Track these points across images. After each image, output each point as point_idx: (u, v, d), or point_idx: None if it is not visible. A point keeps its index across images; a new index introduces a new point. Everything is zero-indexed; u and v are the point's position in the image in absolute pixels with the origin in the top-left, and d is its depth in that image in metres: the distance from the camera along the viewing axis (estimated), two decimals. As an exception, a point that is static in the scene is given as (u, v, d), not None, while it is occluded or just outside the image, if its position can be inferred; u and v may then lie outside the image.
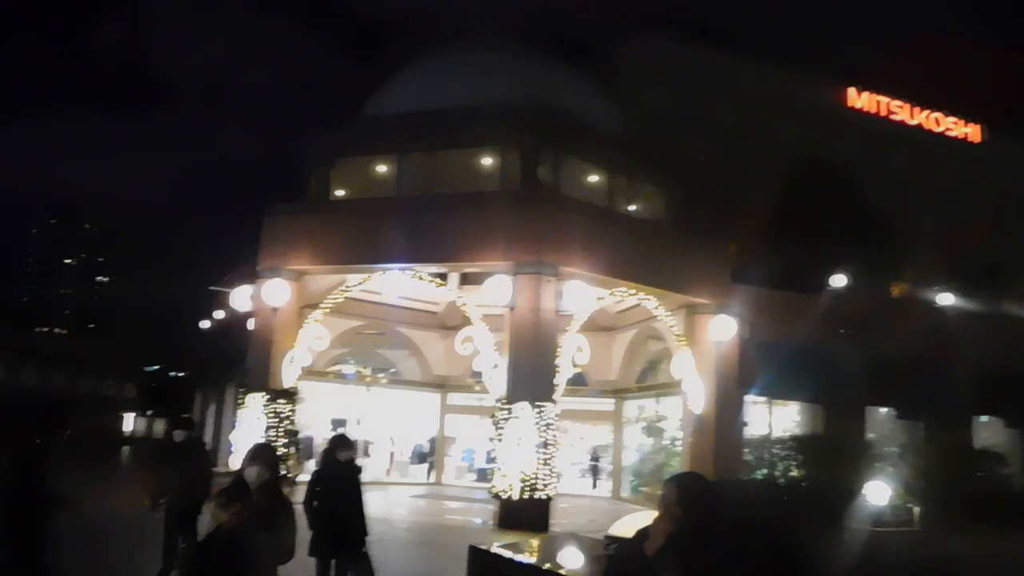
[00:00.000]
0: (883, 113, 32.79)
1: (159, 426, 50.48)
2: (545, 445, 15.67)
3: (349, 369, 26.46)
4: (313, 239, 18.13)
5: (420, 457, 26.99)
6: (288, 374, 17.82)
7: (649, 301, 18.56)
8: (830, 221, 24.91)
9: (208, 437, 33.78)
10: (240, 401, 17.86)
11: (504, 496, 15.43)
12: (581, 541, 7.42)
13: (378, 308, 23.93)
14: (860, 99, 32.34)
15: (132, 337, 50.80)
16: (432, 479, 26.64)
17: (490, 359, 16.44)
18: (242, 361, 27.20)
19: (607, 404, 25.55)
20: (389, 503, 19.23)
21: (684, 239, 19.53)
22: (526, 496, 15.33)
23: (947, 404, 21.58)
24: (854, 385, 21.45)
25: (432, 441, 27.00)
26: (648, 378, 24.88)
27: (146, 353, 50.04)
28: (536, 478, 15.42)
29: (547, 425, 15.78)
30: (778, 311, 20.84)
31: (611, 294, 17.82)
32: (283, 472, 17.07)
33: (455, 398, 27.50)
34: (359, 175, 20.22)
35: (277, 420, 17.51)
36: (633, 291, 18.16)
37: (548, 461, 15.67)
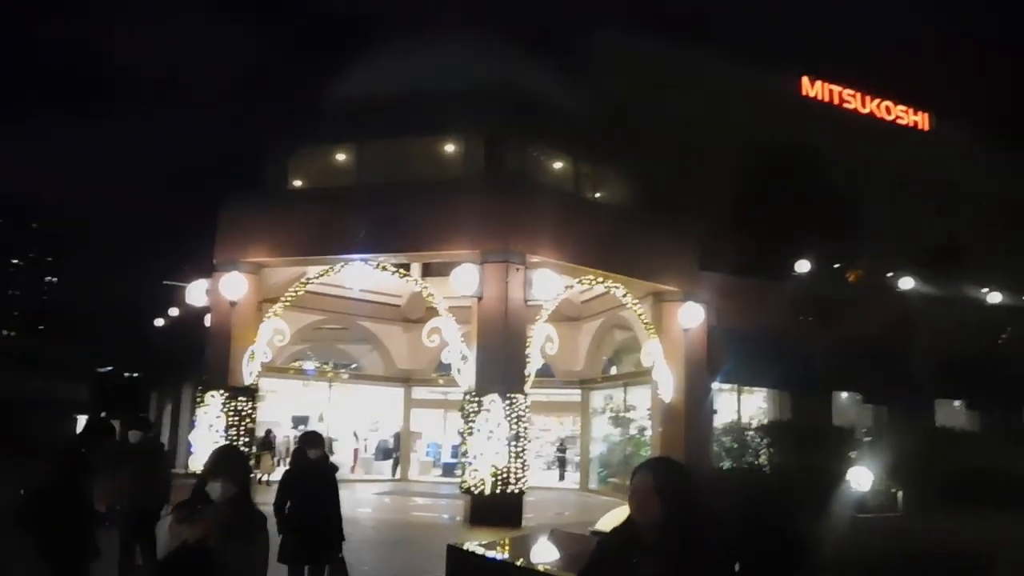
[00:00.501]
0: (836, 102, 33.19)
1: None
2: (516, 438, 15.33)
3: (309, 365, 25.89)
4: (271, 230, 17.54)
5: (385, 453, 26.52)
6: (248, 371, 17.22)
7: (617, 289, 18.29)
8: (790, 208, 24.89)
9: (165, 438, 32.87)
10: (199, 400, 17.21)
11: (476, 491, 15.06)
12: (563, 537, 7.08)
13: (338, 302, 23.35)
14: (814, 88, 32.68)
15: (84, 337, 49.22)
16: (398, 475, 26.16)
17: (458, 351, 16.03)
18: (199, 359, 26.43)
19: (573, 395, 25.33)
20: (355, 501, 18.69)
21: (651, 226, 19.28)
22: (498, 491, 14.99)
23: (911, 387, 21.76)
24: (820, 371, 21.53)
25: (397, 436, 26.52)
26: (614, 368, 24.71)
27: (99, 353, 48.56)
28: (508, 472, 15.08)
29: (518, 417, 15.44)
30: (743, 298, 20.75)
31: (579, 282, 17.51)
32: (252, 476, 16.54)
33: (419, 392, 27.06)
34: (318, 164, 19.61)
35: (238, 419, 16.90)
36: (601, 279, 17.89)
37: (520, 454, 15.34)
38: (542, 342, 16.65)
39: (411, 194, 16.86)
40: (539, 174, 18.57)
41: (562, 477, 26.48)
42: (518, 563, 6.43)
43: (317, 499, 6.51)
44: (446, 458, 27.86)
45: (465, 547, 6.80)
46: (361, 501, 18.91)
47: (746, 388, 22.03)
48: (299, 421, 27.17)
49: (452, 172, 17.95)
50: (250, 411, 17.15)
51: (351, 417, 26.92)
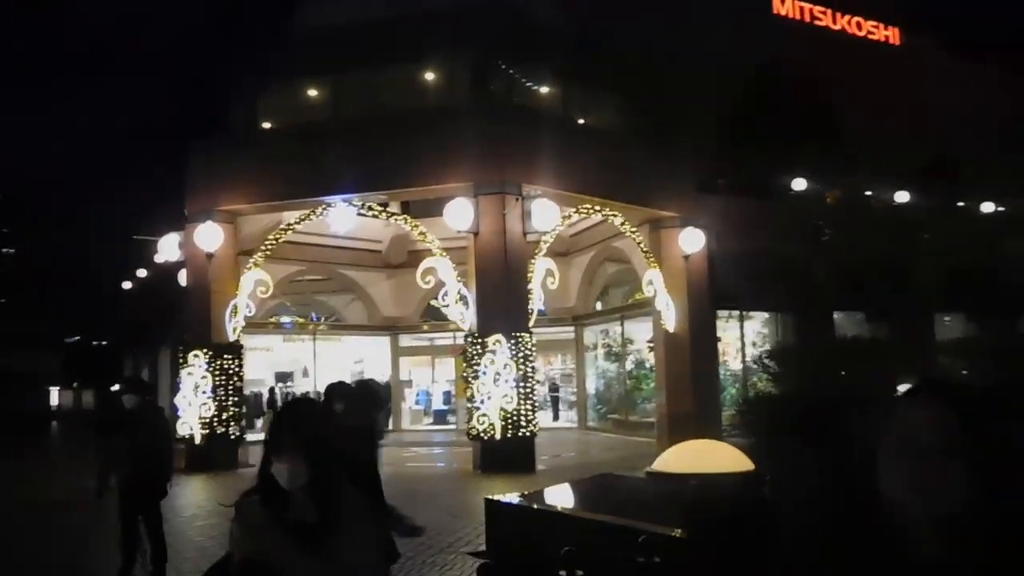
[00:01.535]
0: (807, 19, 32.23)
1: (88, 397, 47.76)
2: (525, 379, 14.55)
3: (288, 319, 24.86)
4: (245, 176, 16.32)
5: (376, 404, 25.66)
6: (231, 327, 16.18)
7: (616, 217, 17.39)
8: (779, 127, 24.06)
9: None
10: (181, 360, 16.17)
11: (486, 437, 14.29)
12: (618, 480, 6.22)
13: (317, 251, 22.27)
14: (784, 7, 31.64)
15: (49, 308, 47.39)
16: (390, 426, 25.40)
17: (455, 291, 15.10)
18: (174, 318, 25.24)
19: (566, 332, 24.64)
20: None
21: (646, 150, 18.32)
22: (509, 435, 14.23)
23: (913, 303, 21.30)
24: (821, 290, 21.00)
25: (386, 386, 25.66)
26: (607, 302, 24.00)
27: (66, 323, 46.84)
28: (518, 415, 14.31)
29: (525, 357, 14.63)
30: (740, 221, 19.94)
31: (576, 211, 16.56)
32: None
33: (406, 340, 26.21)
34: (291, 101, 18.26)
35: (224, 378, 15.91)
36: (599, 207, 16.97)
37: (529, 396, 14.59)
38: (543, 277, 15.79)
39: (395, 127, 15.69)
40: (529, 100, 17.42)
41: (556, 416, 25.96)
42: (581, 514, 5.61)
43: (355, 465, 5.62)
44: (437, 405, 27.24)
45: (508, 499, 5.98)
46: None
47: (746, 313, 21.36)
48: (282, 377, 26.29)
49: (437, 102, 16.77)
50: (237, 369, 16.18)
51: (337, 370, 26.04)
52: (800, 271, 20.66)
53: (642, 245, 18.18)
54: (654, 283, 18.30)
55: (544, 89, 18.42)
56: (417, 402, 27.27)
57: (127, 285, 32.34)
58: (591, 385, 24.27)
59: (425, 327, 25.57)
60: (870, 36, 33.94)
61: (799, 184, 22.01)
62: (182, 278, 20.75)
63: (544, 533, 4.46)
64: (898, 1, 33.90)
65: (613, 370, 23.32)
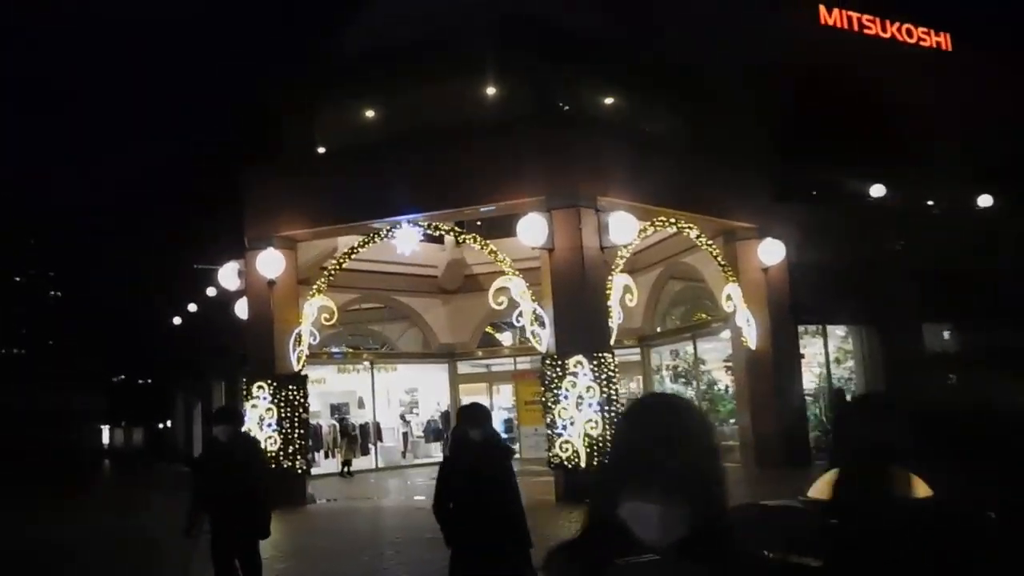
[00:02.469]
0: (855, 28, 31.24)
1: (137, 435, 47.69)
2: (609, 401, 13.61)
3: (337, 349, 24.18)
4: (304, 200, 15.74)
5: (436, 434, 24.83)
6: (295, 356, 15.50)
7: (691, 230, 16.47)
8: (842, 135, 23.01)
9: (196, 438, 31.32)
10: (244, 393, 15.50)
11: (569, 465, 13.34)
12: (771, 511, 5.26)
13: (371, 278, 21.63)
14: (832, 17, 30.70)
15: (96, 348, 47.55)
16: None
17: (530, 311, 14.25)
18: (227, 351, 24.75)
19: (632, 354, 23.62)
20: (417, 489, 17.09)
21: (717, 160, 17.45)
22: (595, 462, 13.27)
23: (1008, 314, 19.97)
24: (907, 302, 19.82)
25: (445, 415, 24.82)
26: (671, 322, 23.00)
27: (114, 362, 46.89)
28: (604, 440, 13.36)
29: (608, 379, 13.71)
30: (816, 230, 18.91)
31: (651, 224, 15.66)
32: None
33: (463, 367, 25.39)
34: (348, 121, 17.68)
35: (289, 409, 15.20)
36: (673, 220, 16.06)
37: (614, 420, 13.60)
38: (621, 294, 14.89)
39: (459, 144, 15.03)
40: (596, 111, 16.60)
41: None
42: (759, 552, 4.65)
43: (491, 494, 4.78)
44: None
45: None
46: (425, 489, 17.20)
47: (827, 328, 20.22)
48: (336, 409, 25.55)
49: (502, 115, 16.02)
50: (302, 400, 15.46)
51: (394, 400, 25.32)
52: (883, 282, 19.52)
53: (719, 258, 17.20)
54: (733, 298, 17.30)
55: (610, 100, 17.65)
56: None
57: (177, 321, 32.01)
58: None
59: (479, 353, 24.77)
60: (921, 43, 32.91)
61: (873, 191, 20.93)
62: (238, 309, 20.26)
63: None
64: (946, 6, 32.84)
65: (683, 392, 22.23)
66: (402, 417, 24.90)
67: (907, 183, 21.54)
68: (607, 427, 13.40)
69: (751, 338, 17.41)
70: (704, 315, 22.68)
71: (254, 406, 15.13)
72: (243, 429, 6.46)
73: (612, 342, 14.43)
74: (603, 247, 14.30)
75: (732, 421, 19.82)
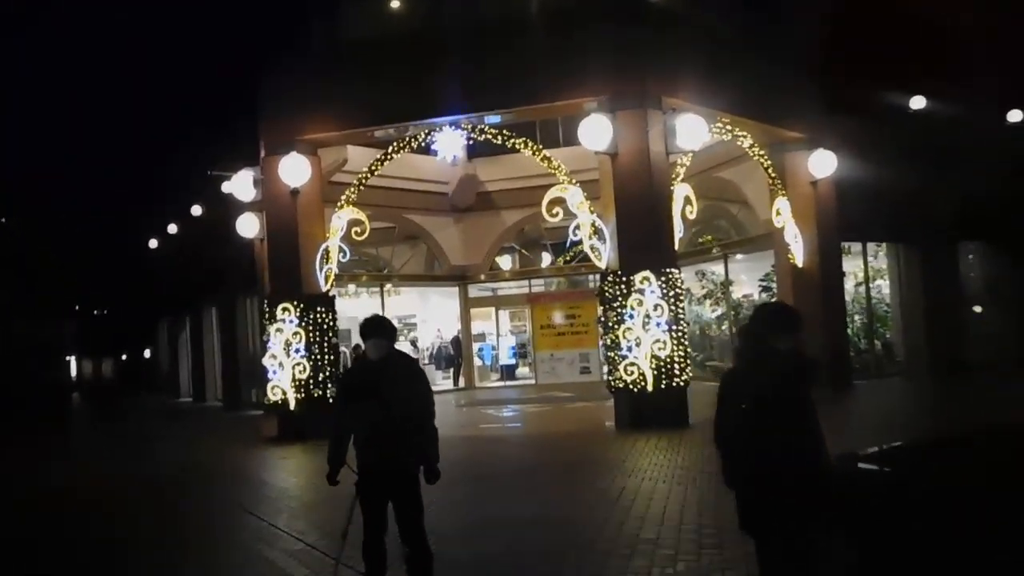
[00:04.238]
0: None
1: (107, 366, 45.87)
2: (676, 320, 12.56)
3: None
4: (331, 99, 14.12)
5: (448, 360, 23.76)
6: (323, 275, 14.16)
7: (745, 139, 15.27)
8: (887, 54, 21.67)
9: (186, 368, 29.89)
10: (267, 316, 14.15)
11: (636, 389, 12.34)
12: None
13: (378, 194, 20.11)
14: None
15: (64, 274, 45.03)
16: (461, 383, 23.53)
17: (589, 223, 13.04)
18: (219, 274, 23.21)
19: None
20: (461, 420, 16.08)
21: (774, 65, 16.13)
22: (663, 385, 12.29)
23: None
24: (944, 221, 19.02)
25: (456, 341, 23.73)
26: (692, 242, 21.94)
27: (86, 289, 44.45)
28: (672, 362, 12.36)
29: (676, 296, 12.63)
30: (862, 144, 17.81)
31: (711, 130, 14.38)
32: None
33: (474, 291, 24.22)
34: (382, 7, 15.83)
35: (319, 333, 13.91)
36: (731, 126, 14.83)
37: (681, 340, 12.59)
38: (682, 205, 13.74)
39: (510, 34, 13.50)
40: (660, 3, 14.99)
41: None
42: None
43: (786, 415, 3.64)
44: (504, 360, 25.27)
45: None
46: (459, 420, 16.22)
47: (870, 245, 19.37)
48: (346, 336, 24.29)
49: (558, 1, 14.35)
50: (331, 323, 14.16)
51: (404, 324, 24.16)
52: (922, 201, 18.63)
53: (770, 170, 16.07)
54: (783, 212, 16.27)
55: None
56: (480, 357, 25.19)
57: (154, 244, 30.18)
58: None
59: (481, 277, 23.52)
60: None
61: (916, 107, 19.82)
62: (242, 226, 18.72)
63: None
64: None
65: (710, 314, 21.36)
66: (413, 343, 23.74)
67: (948, 102, 20.46)
68: (675, 348, 12.38)
69: (798, 254, 16.46)
70: (710, 238, 21.66)
71: (279, 330, 13.82)
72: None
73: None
74: (669, 153, 13.06)
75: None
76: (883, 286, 19.65)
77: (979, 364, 18.40)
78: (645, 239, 12.63)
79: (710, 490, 7.51)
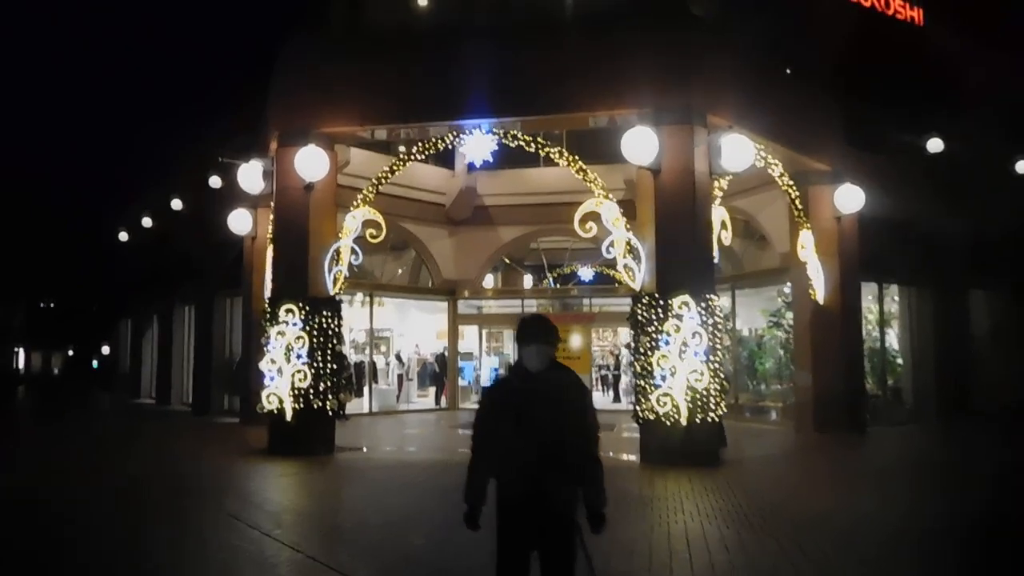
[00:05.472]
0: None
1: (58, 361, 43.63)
2: (714, 351, 11.83)
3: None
4: (353, 91, 13.23)
5: (433, 378, 22.74)
6: (331, 277, 13.17)
7: (775, 167, 14.70)
8: (906, 93, 21.34)
9: (148, 369, 28.35)
10: (267, 318, 13.08)
11: (668, 422, 11.54)
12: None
13: (379, 199, 19.18)
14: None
15: (16, 261, 42.87)
16: (443, 403, 22.52)
17: (623, 241, 12.28)
18: (196, 271, 21.95)
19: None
20: (438, 440, 15.08)
21: (808, 93, 15.69)
22: (698, 419, 11.51)
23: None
24: (958, 264, 18.74)
25: (442, 358, 22.75)
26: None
27: (39, 279, 42.24)
28: (708, 395, 11.60)
29: (715, 325, 11.90)
30: (884, 181, 17.48)
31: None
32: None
33: (463, 307, 23.29)
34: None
35: (323, 339, 12.88)
36: (765, 152, 14.25)
37: (717, 372, 11.86)
38: (718, 229, 13.08)
39: (550, 35, 12.78)
40: (714, 12, 14.44)
41: (617, 398, 23.40)
42: None
43: None
44: (485, 381, 24.32)
45: None
46: (447, 441, 15.23)
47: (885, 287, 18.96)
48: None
49: (605, 6, 13.65)
50: (336, 328, 13.14)
51: (394, 339, 23.14)
52: (940, 243, 18.34)
53: (797, 201, 15.52)
54: (807, 246, 15.73)
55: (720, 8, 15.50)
56: (461, 376, 24.22)
57: (124, 237, 28.73)
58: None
59: (467, 292, 22.61)
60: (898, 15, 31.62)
61: (932, 148, 19.55)
62: (233, 222, 17.68)
63: None
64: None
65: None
66: (398, 357, 22.68)
67: (965, 144, 20.27)
68: (712, 380, 11.64)
69: (819, 290, 15.93)
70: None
71: (281, 333, 12.76)
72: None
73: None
74: (713, 173, 12.40)
75: (774, 382, 18.50)
76: (893, 329, 19.22)
77: (988, 410, 18.08)
78: (686, 261, 11.92)
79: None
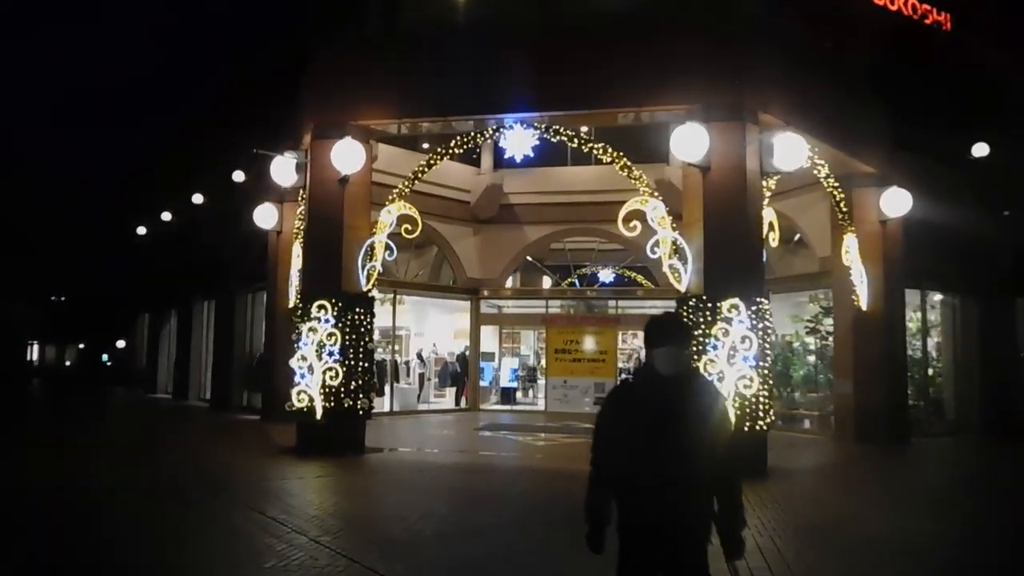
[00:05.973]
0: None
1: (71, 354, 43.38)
2: (763, 356, 11.38)
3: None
4: (391, 83, 12.86)
5: (453, 378, 22.34)
6: (365, 273, 12.79)
7: (821, 168, 14.23)
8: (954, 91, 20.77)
9: (165, 364, 28.06)
10: (299, 314, 12.71)
11: (716, 429, 11.06)
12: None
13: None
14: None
15: (33, 255, 42.63)
16: (463, 404, 22.11)
17: (669, 241, 11.85)
18: (219, 266, 21.62)
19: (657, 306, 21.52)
20: (465, 442, 14.68)
21: (853, 93, 15.22)
22: (746, 428, 11.07)
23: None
24: (1005, 272, 18.21)
25: (463, 358, 22.35)
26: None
27: (57, 273, 41.93)
28: (757, 402, 11.15)
29: (765, 329, 11.46)
30: (931, 186, 16.95)
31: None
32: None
33: (485, 306, 22.90)
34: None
35: (355, 337, 12.48)
36: (814, 153, 13.78)
37: (767, 378, 11.41)
38: (766, 231, 12.63)
39: (596, 27, 12.37)
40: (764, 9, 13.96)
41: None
42: None
43: None
44: (504, 383, 23.90)
45: None
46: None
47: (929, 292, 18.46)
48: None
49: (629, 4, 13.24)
50: (368, 326, 12.75)
51: (411, 338, 22.78)
52: (987, 251, 17.81)
53: (842, 203, 15.06)
54: (851, 251, 15.27)
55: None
56: (481, 377, 23.79)
57: (141, 230, 28.51)
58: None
59: (486, 292, 22.17)
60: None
61: (984, 152, 19.01)
62: (259, 217, 17.34)
63: None
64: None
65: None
66: (419, 356, 22.29)
67: (1011, 150, 19.76)
68: (761, 387, 11.19)
69: (863, 296, 15.45)
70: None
71: (312, 329, 12.37)
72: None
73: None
74: (764, 172, 11.96)
75: (812, 389, 18.03)
76: (933, 338, 18.70)
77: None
78: (736, 263, 11.47)
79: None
